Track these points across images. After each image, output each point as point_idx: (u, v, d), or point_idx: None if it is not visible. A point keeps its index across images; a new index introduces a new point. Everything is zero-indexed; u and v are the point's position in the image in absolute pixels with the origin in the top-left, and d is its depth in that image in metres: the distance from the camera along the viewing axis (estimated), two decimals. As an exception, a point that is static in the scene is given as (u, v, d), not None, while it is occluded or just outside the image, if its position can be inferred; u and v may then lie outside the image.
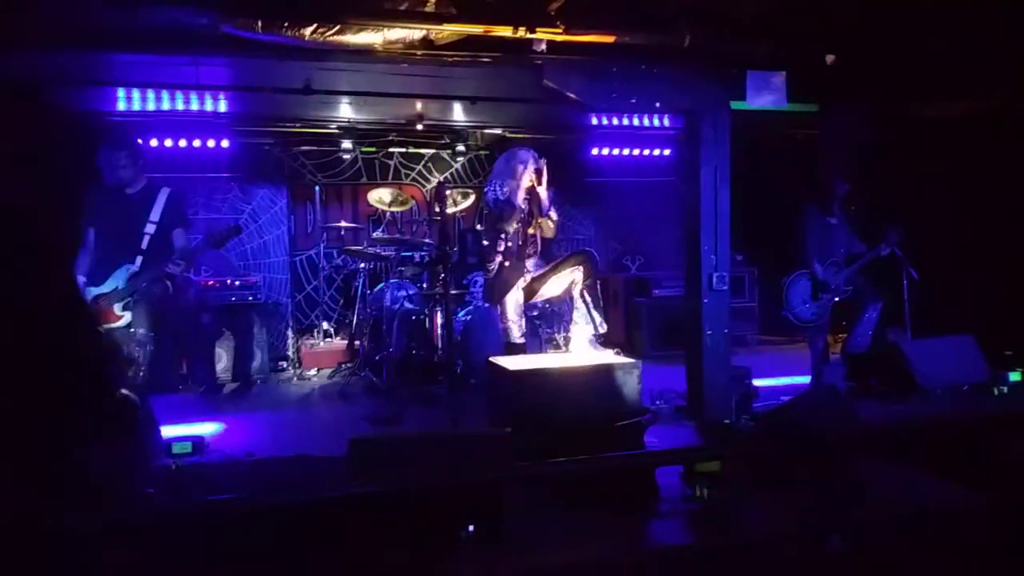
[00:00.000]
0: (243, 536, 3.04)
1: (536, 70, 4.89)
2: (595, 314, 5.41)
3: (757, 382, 5.32)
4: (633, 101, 5.09)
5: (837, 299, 6.04)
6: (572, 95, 4.95)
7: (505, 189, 5.48)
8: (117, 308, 4.72)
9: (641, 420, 4.02)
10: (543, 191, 5.52)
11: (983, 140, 6.39)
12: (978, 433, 4.43)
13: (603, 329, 5.45)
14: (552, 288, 5.50)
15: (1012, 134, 6.20)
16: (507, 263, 5.46)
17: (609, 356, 4.80)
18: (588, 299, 5.38)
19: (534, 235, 5.63)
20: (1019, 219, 6.30)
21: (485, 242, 5.62)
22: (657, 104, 5.18)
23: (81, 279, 4.77)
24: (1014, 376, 5.61)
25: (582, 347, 5.19)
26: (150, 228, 4.85)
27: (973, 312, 6.17)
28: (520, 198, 5.50)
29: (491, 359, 4.43)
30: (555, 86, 4.91)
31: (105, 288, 4.75)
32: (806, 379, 6.03)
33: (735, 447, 4.16)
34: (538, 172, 5.51)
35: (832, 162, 6.44)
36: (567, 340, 5.39)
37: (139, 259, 4.79)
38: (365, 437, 3.69)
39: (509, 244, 5.41)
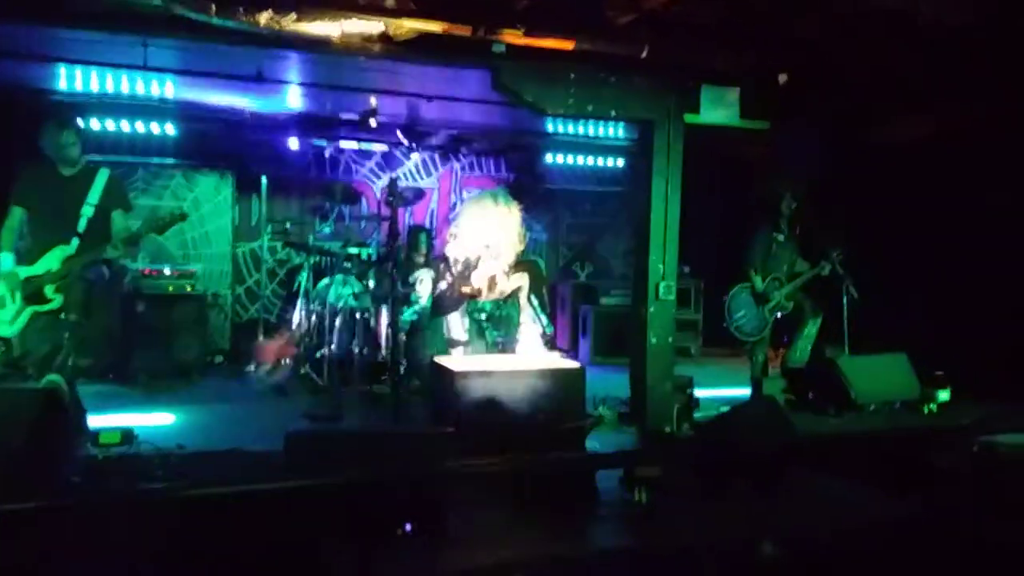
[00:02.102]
0: (170, 527, 2.94)
1: (494, 72, 4.88)
2: (541, 317, 5.41)
3: (699, 392, 5.39)
4: (590, 108, 5.13)
5: (778, 314, 6.16)
6: (528, 99, 4.95)
7: (467, 250, 5.46)
8: (49, 290, 4.52)
9: (583, 424, 4.02)
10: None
11: (927, 163, 6.61)
12: (908, 447, 4.55)
13: (549, 331, 5.46)
14: (496, 291, 5.45)
15: (958, 157, 6.41)
16: (450, 293, 5.47)
17: (554, 360, 4.80)
18: (535, 302, 5.37)
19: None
20: (956, 243, 6.52)
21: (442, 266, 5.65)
22: (613, 112, 5.22)
23: (10, 258, 4.56)
24: (943, 395, 5.80)
25: (529, 348, 5.17)
26: (88, 210, 4.64)
27: (907, 332, 6.35)
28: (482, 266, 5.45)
29: (435, 358, 4.39)
30: (512, 89, 4.91)
31: (37, 269, 4.54)
32: (746, 391, 6.13)
33: (675, 454, 4.19)
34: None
35: (781, 180, 6.57)
36: (514, 343, 5.36)
37: (75, 241, 4.59)
38: (302, 431, 3.62)
39: (464, 290, 5.42)
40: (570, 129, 8.18)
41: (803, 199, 6.37)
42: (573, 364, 4.31)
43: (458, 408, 3.86)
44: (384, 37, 4.54)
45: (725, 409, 4.77)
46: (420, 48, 4.67)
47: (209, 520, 2.94)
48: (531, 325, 5.26)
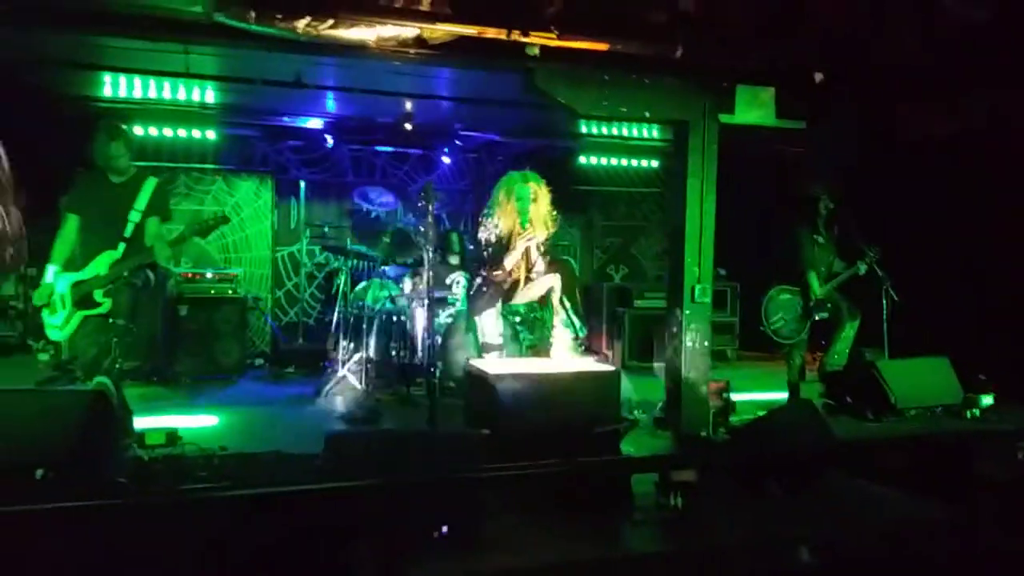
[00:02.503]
0: (212, 527, 3.01)
1: (527, 75, 4.89)
2: (575, 319, 5.39)
3: (735, 396, 5.35)
4: (623, 110, 5.11)
5: (817, 317, 6.09)
6: (562, 101, 4.95)
7: (498, 230, 5.33)
8: (97, 295, 4.65)
9: (618, 428, 4.02)
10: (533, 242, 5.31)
11: (966, 162, 6.48)
12: (950, 452, 4.47)
13: (583, 334, 5.44)
14: (529, 293, 5.42)
15: (1000, 151, 6.28)
16: (486, 289, 5.43)
17: (589, 363, 4.80)
18: (567, 305, 5.35)
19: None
20: (998, 242, 6.38)
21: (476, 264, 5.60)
22: (647, 114, 5.20)
23: (54, 268, 4.70)
24: (986, 400, 5.67)
25: (563, 353, 5.17)
26: (135, 216, 4.76)
27: (949, 334, 6.23)
28: (514, 248, 5.29)
29: (470, 362, 4.42)
30: (546, 91, 4.91)
31: (86, 275, 4.68)
32: (783, 395, 6.07)
33: (710, 457, 4.17)
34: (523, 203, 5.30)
35: (817, 180, 6.49)
36: (549, 346, 5.35)
37: (122, 246, 4.72)
38: (341, 433, 3.67)
39: (496, 275, 5.33)
40: (604, 130, 8.17)
41: (840, 198, 6.30)
42: (608, 367, 4.31)
43: (493, 411, 3.88)
44: (419, 41, 4.59)
45: (762, 413, 4.72)
46: (454, 52, 4.71)
47: (249, 520, 3.01)
48: (563, 329, 5.23)
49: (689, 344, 5.18)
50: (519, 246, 5.21)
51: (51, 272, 4.67)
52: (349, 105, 7.00)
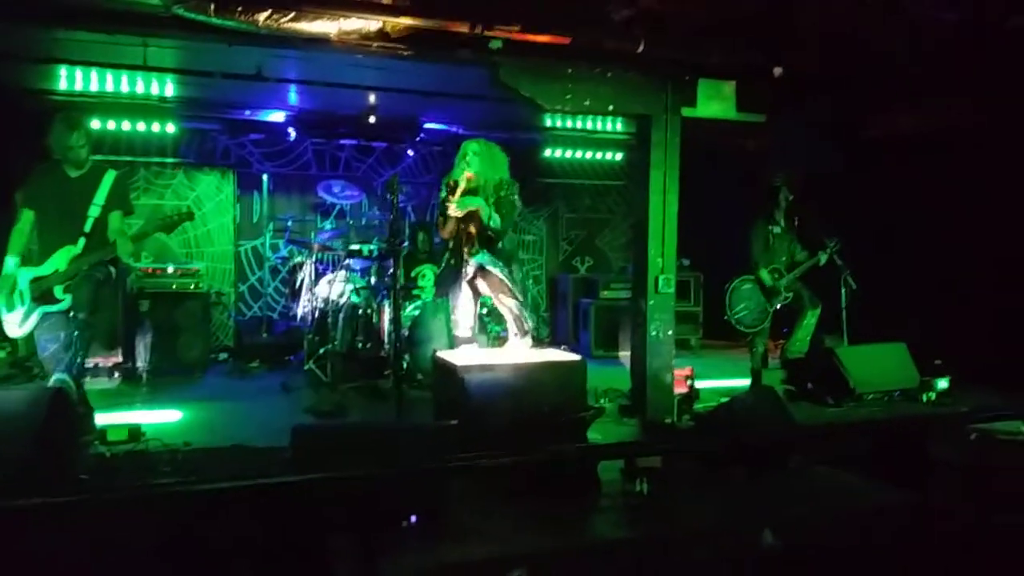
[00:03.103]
0: (177, 522, 2.98)
1: (492, 69, 4.91)
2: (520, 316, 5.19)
3: (699, 384, 5.43)
4: (587, 103, 5.16)
5: (778, 306, 6.21)
6: (526, 95, 4.98)
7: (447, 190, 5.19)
8: (57, 291, 4.57)
9: (585, 416, 4.06)
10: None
11: (924, 157, 6.65)
12: (906, 435, 4.59)
13: (528, 327, 5.22)
14: (485, 287, 5.28)
15: (955, 150, 6.46)
16: (451, 259, 5.33)
17: (556, 354, 4.83)
18: (509, 304, 5.16)
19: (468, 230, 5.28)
20: (953, 232, 6.56)
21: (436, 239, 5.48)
22: (610, 107, 5.26)
23: (13, 260, 4.60)
24: (942, 384, 5.84)
25: (526, 344, 5.14)
26: (94, 211, 4.68)
27: (906, 321, 6.40)
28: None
29: (438, 354, 4.43)
30: (510, 85, 4.94)
31: (45, 270, 4.59)
32: (746, 382, 6.18)
33: (675, 444, 4.24)
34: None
35: (777, 172, 6.61)
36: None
37: (82, 241, 4.64)
38: (308, 426, 3.66)
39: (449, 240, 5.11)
40: (569, 124, 8.22)
41: (799, 190, 6.42)
42: (574, 357, 4.35)
43: (461, 402, 3.91)
44: (381, 35, 4.57)
45: (725, 400, 4.81)
46: (418, 45, 4.70)
47: (215, 515, 2.99)
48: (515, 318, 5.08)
49: (653, 333, 5.25)
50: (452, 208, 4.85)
51: (11, 263, 4.58)
52: (312, 98, 6.96)
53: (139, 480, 3.89)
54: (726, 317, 6.16)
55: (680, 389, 5.34)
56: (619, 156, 8.94)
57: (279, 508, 3.03)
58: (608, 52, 4.97)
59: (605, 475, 3.89)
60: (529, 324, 4.92)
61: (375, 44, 4.60)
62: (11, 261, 4.61)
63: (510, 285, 4.85)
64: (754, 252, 6.23)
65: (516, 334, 4.86)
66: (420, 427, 3.72)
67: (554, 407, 3.93)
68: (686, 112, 5.45)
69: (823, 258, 6.25)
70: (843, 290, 6.33)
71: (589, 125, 8.29)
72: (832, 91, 6.08)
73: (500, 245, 4.85)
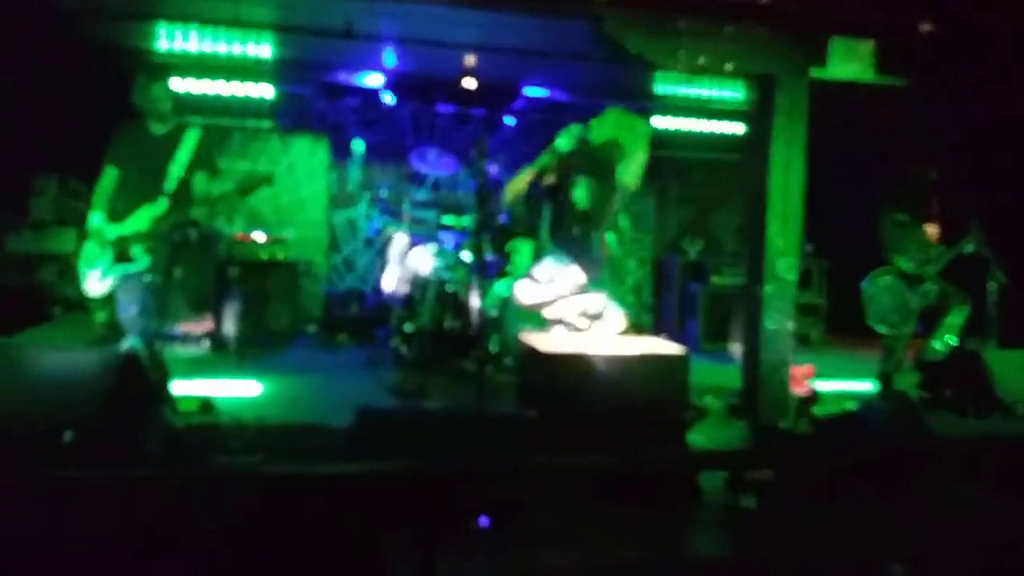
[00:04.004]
0: (236, 506, 2.73)
1: (595, 21, 4.42)
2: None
3: (820, 384, 4.84)
4: (702, 61, 4.59)
5: (924, 304, 5.43)
6: (633, 51, 4.47)
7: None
8: (136, 251, 4.44)
9: (686, 416, 3.57)
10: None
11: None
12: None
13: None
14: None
15: None
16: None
17: (654, 343, 4.31)
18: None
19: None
20: None
21: None
22: (728, 66, 4.66)
23: (98, 217, 4.50)
24: (1108, 396, 4.99)
25: (621, 328, 4.63)
26: (177, 170, 4.53)
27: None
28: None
29: (524, 337, 4.01)
30: (616, 40, 4.43)
31: (126, 229, 4.46)
32: (873, 384, 5.49)
33: (790, 454, 3.69)
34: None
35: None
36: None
37: (164, 201, 4.49)
38: (373, 409, 3.32)
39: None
40: (680, 91, 7.61)
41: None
42: (676, 349, 3.84)
43: (545, 392, 3.49)
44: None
45: (850, 404, 4.21)
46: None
47: (263, 502, 2.71)
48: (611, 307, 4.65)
49: (770, 325, 4.67)
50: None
51: (96, 220, 4.49)
52: (408, 60, 6.63)
53: (205, 455, 3.72)
54: (865, 317, 5.44)
55: (798, 390, 4.76)
56: (736, 128, 8.24)
57: (331, 499, 2.73)
58: (728, 3, 4.39)
59: (707, 484, 3.41)
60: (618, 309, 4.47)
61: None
62: (96, 218, 4.52)
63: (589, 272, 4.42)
64: (887, 240, 5.48)
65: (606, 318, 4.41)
66: (496, 417, 3.32)
67: (651, 404, 3.45)
68: (815, 73, 4.81)
69: (970, 245, 5.43)
70: (991, 285, 5.50)
71: (703, 93, 7.66)
72: (981, 58, 5.25)
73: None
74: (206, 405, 4.18)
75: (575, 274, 4.52)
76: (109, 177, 4.58)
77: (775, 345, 4.70)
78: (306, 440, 3.97)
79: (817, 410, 4.57)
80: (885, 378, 5.45)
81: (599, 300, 4.43)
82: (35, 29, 5.56)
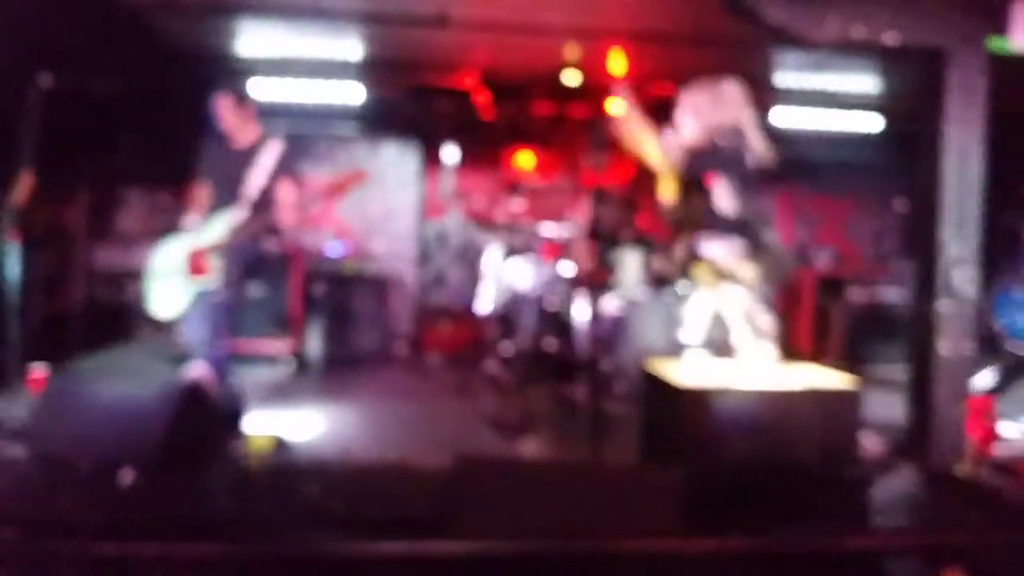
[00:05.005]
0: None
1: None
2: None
3: (1004, 421, 3.97)
4: (854, 32, 3.82)
5: None
6: (772, 22, 3.74)
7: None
8: (212, 260, 4.00)
9: (864, 471, 2.81)
10: None
11: None
12: None
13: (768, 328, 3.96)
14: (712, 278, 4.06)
15: None
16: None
17: (815, 374, 3.40)
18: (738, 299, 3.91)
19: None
20: None
21: None
22: (888, 36, 3.86)
23: (184, 233, 4.12)
24: None
25: (755, 355, 3.82)
26: (259, 179, 4.12)
27: None
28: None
29: (649, 367, 3.31)
30: (750, 9, 3.72)
31: (204, 241, 4.04)
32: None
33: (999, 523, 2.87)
34: None
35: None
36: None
37: (242, 211, 4.06)
38: (474, 458, 2.72)
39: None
40: (807, 84, 6.80)
41: None
42: (843, 382, 3.06)
43: (680, 438, 2.80)
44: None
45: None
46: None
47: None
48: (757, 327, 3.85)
49: (944, 350, 3.83)
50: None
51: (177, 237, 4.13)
52: (501, 54, 6.06)
53: (279, 499, 3.21)
54: None
55: (974, 429, 3.89)
56: (871, 123, 7.33)
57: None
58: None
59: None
60: (768, 325, 3.67)
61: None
62: (179, 234, 4.16)
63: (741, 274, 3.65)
64: None
65: (749, 340, 3.62)
66: (628, 475, 2.64)
67: (817, 455, 2.71)
68: (996, 45, 3.96)
69: None
70: None
71: (832, 86, 6.81)
72: None
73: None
74: (279, 442, 3.67)
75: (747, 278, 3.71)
76: (202, 191, 4.23)
77: (950, 374, 3.85)
78: (395, 484, 3.41)
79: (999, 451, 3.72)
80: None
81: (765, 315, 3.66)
82: (120, 34, 5.28)
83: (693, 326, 3.76)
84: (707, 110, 3.85)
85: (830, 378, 3.12)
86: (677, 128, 3.91)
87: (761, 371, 3.23)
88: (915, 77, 4.30)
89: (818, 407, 2.80)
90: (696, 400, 2.79)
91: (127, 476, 3.15)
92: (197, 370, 3.80)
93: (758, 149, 3.85)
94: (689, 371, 3.11)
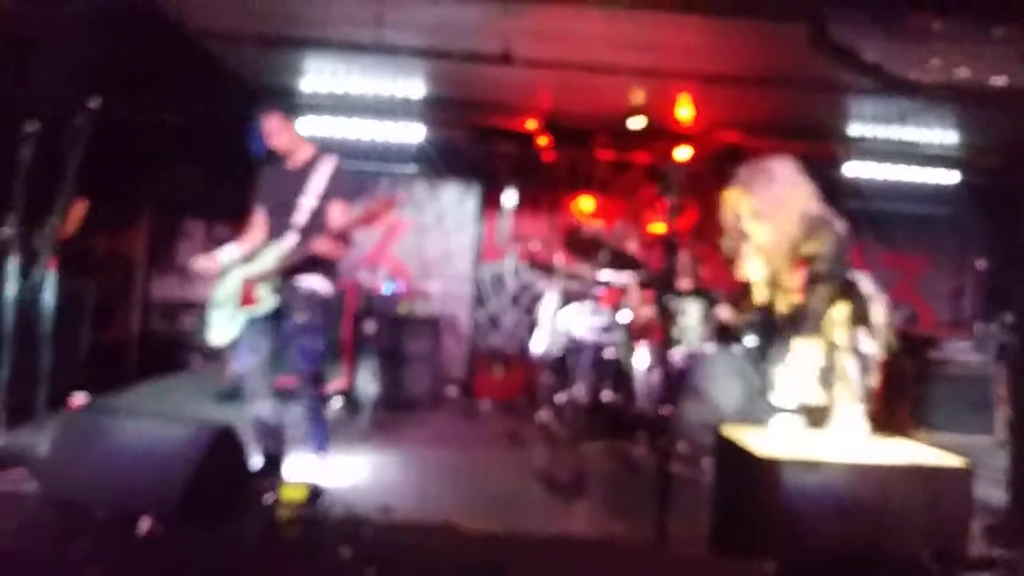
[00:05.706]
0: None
1: (814, 24, 3.47)
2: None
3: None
4: (960, 73, 3.52)
5: None
6: (868, 60, 3.47)
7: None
8: (264, 292, 3.80)
9: (982, 563, 2.43)
10: None
11: None
12: None
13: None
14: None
15: None
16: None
17: (918, 449, 2.96)
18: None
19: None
20: None
21: None
22: (997, 79, 3.55)
23: (230, 258, 3.95)
24: None
25: (848, 428, 3.44)
26: (310, 201, 3.91)
27: None
28: None
29: (723, 430, 2.98)
30: (842, 46, 3.46)
31: (255, 268, 3.85)
32: None
33: None
34: None
35: None
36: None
37: (293, 236, 3.86)
38: (526, 536, 2.42)
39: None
40: (881, 134, 6.51)
41: None
42: (952, 459, 2.69)
43: (763, 517, 2.46)
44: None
45: None
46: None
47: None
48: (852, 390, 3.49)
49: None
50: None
51: (228, 262, 3.95)
52: (564, 95, 5.88)
53: (309, 557, 2.94)
54: None
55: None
56: (949, 177, 6.94)
57: None
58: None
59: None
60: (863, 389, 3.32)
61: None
62: (229, 260, 3.98)
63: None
64: None
65: (847, 407, 3.26)
66: (702, 565, 2.31)
67: (926, 545, 2.34)
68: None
69: None
70: None
71: (910, 136, 6.47)
72: None
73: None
74: (314, 492, 3.42)
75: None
76: (257, 219, 4.07)
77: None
78: (436, 551, 3.10)
79: None
80: None
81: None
82: (185, 63, 5.26)
83: (790, 386, 3.40)
84: (762, 189, 3.60)
85: (931, 454, 2.74)
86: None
87: (854, 442, 2.87)
88: (998, 128, 3.97)
89: (925, 487, 2.43)
90: (781, 472, 2.45)
91: (144, 525, 2.92)
92: (263, 409, 3.64)
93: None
94: (771, 438, 2.77)
